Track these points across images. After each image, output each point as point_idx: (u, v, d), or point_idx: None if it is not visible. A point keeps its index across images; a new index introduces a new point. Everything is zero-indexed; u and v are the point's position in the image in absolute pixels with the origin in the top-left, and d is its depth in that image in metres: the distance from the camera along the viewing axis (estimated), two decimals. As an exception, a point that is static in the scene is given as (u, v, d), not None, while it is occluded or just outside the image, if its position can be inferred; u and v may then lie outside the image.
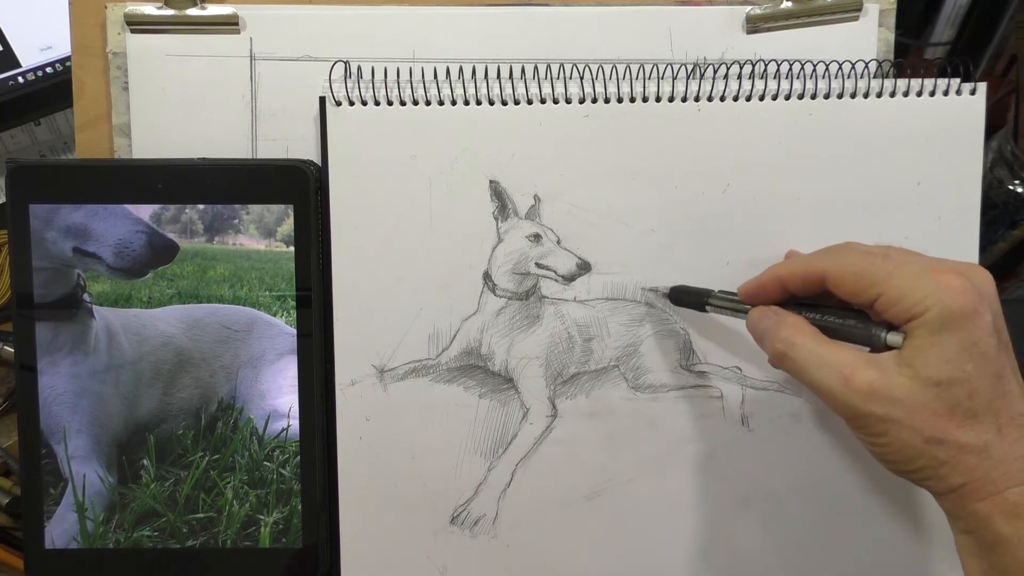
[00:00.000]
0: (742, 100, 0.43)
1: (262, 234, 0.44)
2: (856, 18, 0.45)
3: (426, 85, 0.43)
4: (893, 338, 0.33)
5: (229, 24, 0.45)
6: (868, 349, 0.34)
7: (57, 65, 0.61)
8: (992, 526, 0.31)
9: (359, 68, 0.44)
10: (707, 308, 0.41)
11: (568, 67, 0.44)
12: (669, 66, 0.44)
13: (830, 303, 0.36)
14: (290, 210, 0.44)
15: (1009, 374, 0.32)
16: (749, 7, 0.45)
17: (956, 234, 0.44)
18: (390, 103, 0.43)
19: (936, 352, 0.31)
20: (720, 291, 0.41)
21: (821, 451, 0.45)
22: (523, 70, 0.44)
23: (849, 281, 0.34)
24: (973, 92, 0.43)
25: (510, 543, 0.45)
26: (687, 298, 0.43)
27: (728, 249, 0.44)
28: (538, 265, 0.44)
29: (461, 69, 0.44)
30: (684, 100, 0.43)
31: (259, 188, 0.44)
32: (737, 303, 0.40)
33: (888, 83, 0.43)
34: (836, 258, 0.35)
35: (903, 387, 0.32)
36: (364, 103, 0.43)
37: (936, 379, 0.31)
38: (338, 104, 0.43)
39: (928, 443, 0.32)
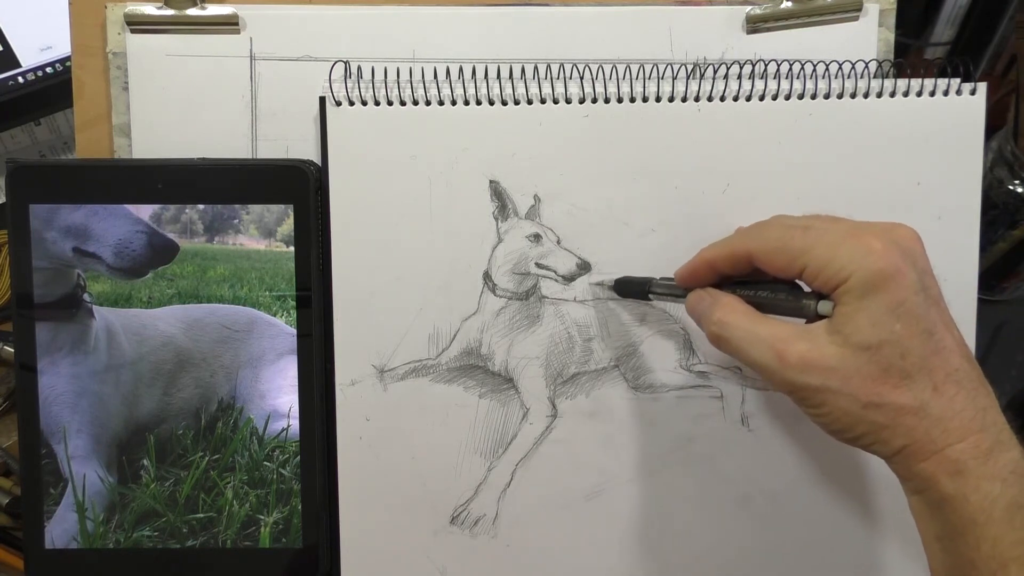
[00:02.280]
0: (742, 100, 0.43)
1: (262, 234, 0.44)
2: (856, 18, 0.45)
3: (426, 85, 0.43)
4: (823, 307, 0.33)
5: (229, 24, 0.45)
6: (805, 321, 0.34)
7: (57, 65, 0.60)
8: (937, 485, 0.31)
9: (359, 68, 0.44)
10: (650, 296, 0.42)
11: (568, 67, 0.44)
12: (669, 66, 0.44)
13: (765, 279, 0.36)
14: (290, 210, 0.44)
15: (942, 330, 0.32)
16: (749, 7, 0.45)
17: (956, 234, 0.44)
18: (390, 103, 0.43)
19: (863, 316, 0.31)
20: (661, 278, 0.41)
21: (821, 451, 0.45)
22: (523, 70, 0.44)
23: (774, 257, 0.34)
24: (973, 92, 0.43)
25: (510, 543, 0.45)
26: (631, 289, 0.43)
27: (728, 249, 0.44)
28: (538, 265, 0.44)
29: (461, 69, 0.44)
30: (684, 100, 0.43)
31: (259, 188, 0.44)
32: (675, 288, 0.40)
33: (888, 83, 0.43)
34: (759, 235, 0.35)
35: (835, 355, 0.32)
36: (364, 103, 0.43)
37: (866, 343, 0.31)
38: (338, 104, 0.43)
39: (866, 408, 0.31)
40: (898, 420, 0.31)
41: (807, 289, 0.34)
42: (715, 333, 0.35)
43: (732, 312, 0.35)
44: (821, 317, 0.33)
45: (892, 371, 0.31)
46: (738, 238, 0.37)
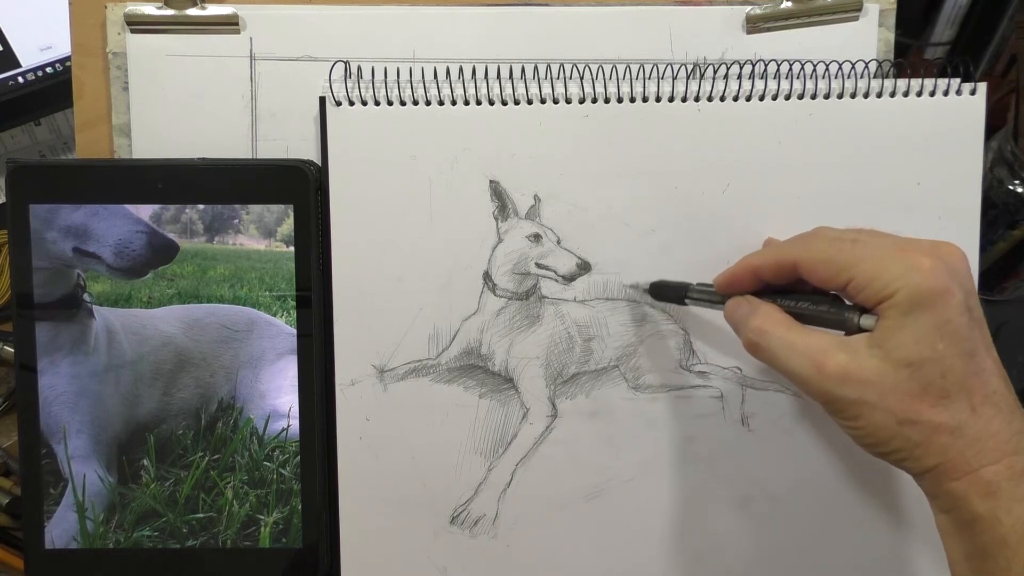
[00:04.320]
0: (742, 100, 0.43)
1: (262, 234, 0.44)
2: (856, 18, 0.45)
3: (426, 85, 0.43)
4: (866, 321, 0.33)
5: (229, 24, 0.45)
6: (844, 333, 0.34)
7: (57, 65, 0.60)
8: (968, 505, 0.31)
9: (359, 68, 0.44)
10: (686, 301, 0.41)
11: (568, 67, 0.44)
12: (669, 66, 0.44)
13: (805, 289, 0.36)
14: (290, 210, 0.44)
15: (983, 351, 0.32)
16: (749, 7, 0.45)
17: (956, 234, 0.44)
18: (390, 103, 0.43)
19: (907, 333, 0.31)
20: (698, 284, 0.41)
21: (821, 451, 0.45)
22: (523, 70, 0.44)
23: (820, 268, 0.34)
24: (973, 92, 0.43)
25: (510, 543, 0.45)
26: (667, 292, 0.43)
27: (728, 249, 0.44)
28: (538, 265, 0.44)
29: (461, 69, 0.44)
30: (684, 100, 0.43)
31: (259, 188, 0.44)
32: (713, 295, 0.40)
33: (888, 83, 0.43)
34: (806, 246, 0.35)
35: (875, 369, 0.32)
36: (364, 103, 0.43)
37: (907, 360, 0.31)
38: (338, 104, 0.43)
39: (901, 424, 0.31)
40: (933, 438, 0.31)
41: (848, 303, 0.34)
42: (752, 341, 0.35)
43: (771, 320, 0.35)
44: (862, 331, 0.33)
45: (931, 389, 0.31)
46: (784, 247, 0.37)
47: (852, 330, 0.34)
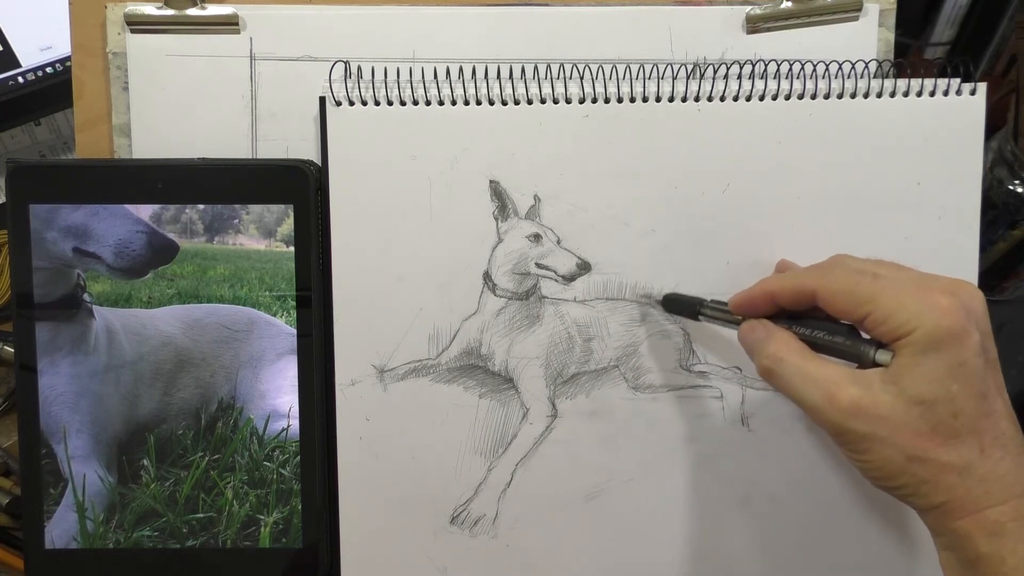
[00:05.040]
0: (742, 100, 0.43)
1: (262, 234, 0.44)
2: (856, 18, 0.45)
3: (426, 85, 0.43)
4: (882, 356, 0.33)
5: (229, 24, 0.45)
6: (856, 364, 0.34)
7: (57, 65, 0.60)
8: (973, 544, 0.32)
9: (359, 68, 0.44)
10: (699, 317, 0.41)
11: (568, 67, 0.44)
12: (669, 66, 0.44)
13: (819, 316, 0.36)
14: (290, 210, 0.44)
15: (994, 393, 0.32)
16: (749, 7, 0.45)
17: (956, 234, 0.44)
18: (390, 103, 0.43)
19: (922, 371, 0.31)
20: (712, 300, 0.41)
21: (821, 451, 0.45)
22: (523, 70, 0.44)
23: (839, 299, 0.34)
24: (973, 92, 0.43)
25: (510, 543, 0.45)
26: (680, 306, 0.43)
27: (728, 249, 0.44)
28: (538, 265, 0.44)
29: (461, 69, 0.44)
30: (684, 100, 0.43)
31: (259, 188, 0.44)
32: (728, 314, 0.40)
33: (888, 83, 0.43)
34: (826, 275, 0.35)
35: (887, 405, 0.32)
36: (364, 103, 0.43)
37: (920, 398, 0.31)
38: (338, 104, 0.43)
39: (910, 461, 0.32)
40: (940, 476, 0.32)
41: (863, 335, 0.35)
42: (767, 367, 0.35)
43: (786, 348, 0.35)
44: (877, 365, 0.33)
45: (941, 428, 0.31)
46: (804, 275, 0.37)
47: (867, 364, 0.34)
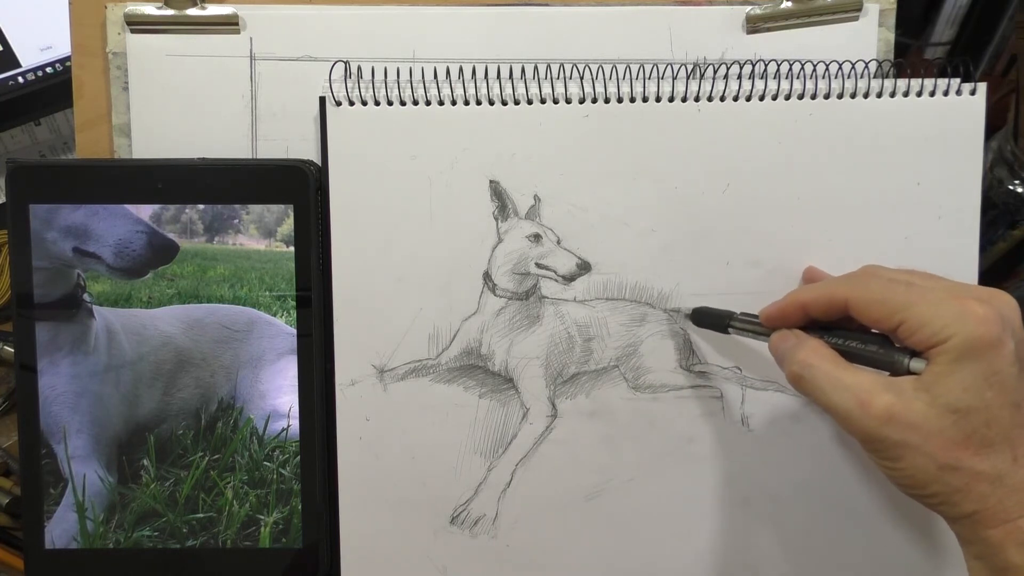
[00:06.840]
0: (742, 100, 0.43)
1: (262, 234, 0.44)
2: (856, 18, 0.45)
3: (426, 85, 0.43)
4: (916, 364, 0.33)
5: (229, 24, 0.45)
6: (888, 373, 0.34)
7: (57, 65, 0.60)
8: (1004, 554, 0.31)
9: (359, 68, 0.44)
10: (729, 331, 0.41)
11: (568, 67, 0.44)
12: (669, 66, 0.44)
13: (850, 326, 0.36)
14: (290, 210, 0.44)
15: None
16: (749, 7, 0.45)
17: (956, 234, 0.44)
18: (390, 103, 0.43)
19: (956, 380, 0.31)
20: (742, 314, 0.41)
21: (821, 451, 0.45)
22: (523, 70, 0.44)
23: (873, 308, 0.34)
24: (973, 92, 0.43)
25: (510, 543, 0.45)
26: (709, 320, 0.43)
27: (728, 249, 0.44)
28: (538, 265, 0.44)
29: (461, 69, 0.44)
30: (684, 100, 0.43)
31: (259, 188, 0.44)
32: (758, 326, 0.40)
33: (888, 83, 0.43)
34: (859, 285, 0.35)
35: (920, 413, 0.32)
36: (364, 103, 0.43)
37: (954, 407, 0.31)
38: (338, 104, 0.43)
39: (942, 470, 0.32)
40: (972, 485, 0.32)
41: (897, 344, 0.34)
42: (796, 373, 0.35)
43: (817, 356, 0.35)
44: (911, 373, 0.33)
45: (975, 437, 0.31)
46: (835, 285, 0.37)
47: (900, 372, 0.34)
